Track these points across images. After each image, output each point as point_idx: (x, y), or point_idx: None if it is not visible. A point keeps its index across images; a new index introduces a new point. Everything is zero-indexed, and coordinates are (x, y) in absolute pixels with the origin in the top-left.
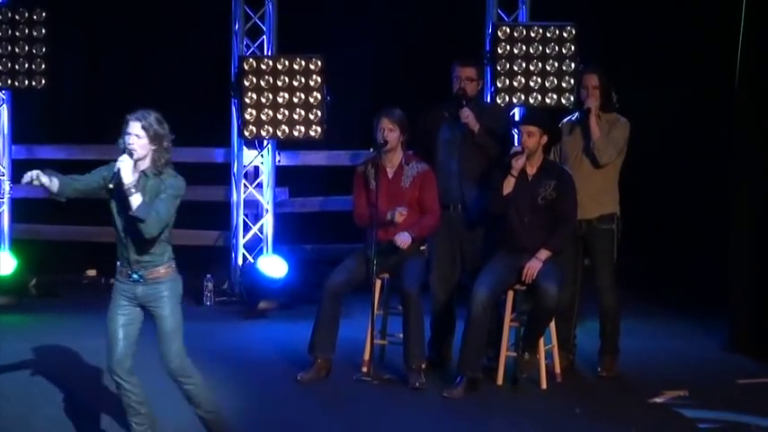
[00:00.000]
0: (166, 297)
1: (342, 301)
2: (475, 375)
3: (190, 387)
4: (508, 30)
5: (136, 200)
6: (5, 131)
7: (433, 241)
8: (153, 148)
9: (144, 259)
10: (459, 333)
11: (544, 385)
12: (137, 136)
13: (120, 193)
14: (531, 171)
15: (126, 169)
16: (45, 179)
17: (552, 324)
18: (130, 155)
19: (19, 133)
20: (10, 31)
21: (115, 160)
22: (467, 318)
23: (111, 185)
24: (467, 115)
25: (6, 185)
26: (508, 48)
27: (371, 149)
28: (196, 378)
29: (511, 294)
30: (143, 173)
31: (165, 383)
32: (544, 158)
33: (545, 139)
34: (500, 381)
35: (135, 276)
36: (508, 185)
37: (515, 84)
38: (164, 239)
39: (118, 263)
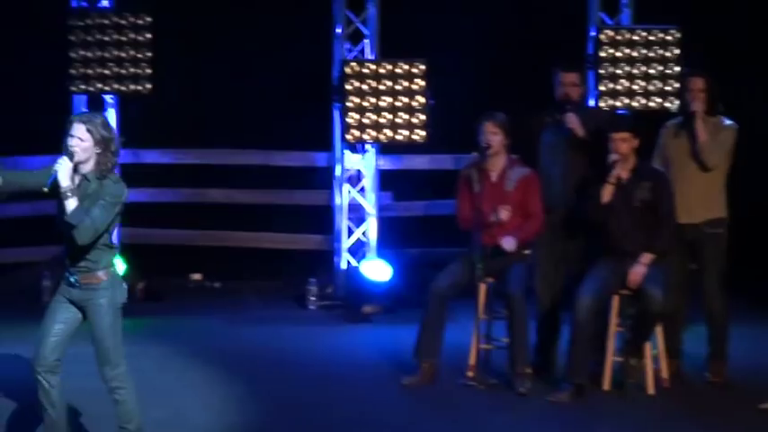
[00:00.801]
0: (102, 304)
1: (447, 305)
2: (581, 380)
3: (121, 398)
4: (611, 33)
5: (71, 204)
6: None
7: (536, 246)
8: (97, 151)
9: (79, 264)
10: (564, 337)
11: (651, 390)
12: (80, 138)
13: (58, 196)
14: (624, 175)
15: (63, 172)
16: None
17: (659, 329)
18: (71, 157)
19: (126, 137)
20: (116, 36)
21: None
22: (572, 323)
23: (45, 189)
24: (572, 120)
25: None
26: (611, 51)
27: (475, 153)
28: (129, 389)
29: (616, 299)
30: (84, 177)
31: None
32: (637, 161)
33: (636, 142)
34: (606, 386)
35: (71, 279)
36: (607, 194)
37: (619, 87)
38: (101, 246)
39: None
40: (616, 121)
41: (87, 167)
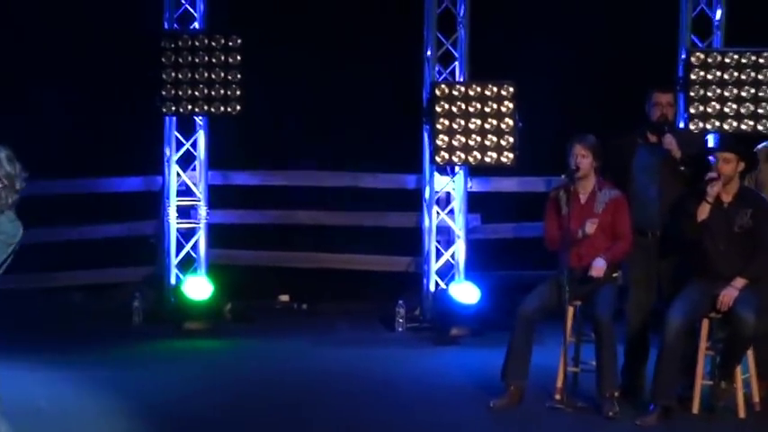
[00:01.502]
0: None
1: (535, 328)
2: (669, 403)
3: None
4: (702, 55)
5: None
6: (202, 157)
7: (628, 267)
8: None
9: None
10: (652, 360)
11: (742, 414)
12: None
13: None
14: (726, 199)
15: None
16: None
17: (750, 352)
18: None
19: (215, 159)
20: (206, 58)
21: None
22: (661, 345)
23: None
24: (669, 141)
25: (203, 211)
26: (702, 74)
27: (564, 175)
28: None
29: (706, 322)
30: None
31: None
32: (740, 186)
33: (741, 166)
34: (695, 409)
35: None
36: (703, 212)
37: (709, 110)
38: None
39: None
40: (723, 140)
41: None
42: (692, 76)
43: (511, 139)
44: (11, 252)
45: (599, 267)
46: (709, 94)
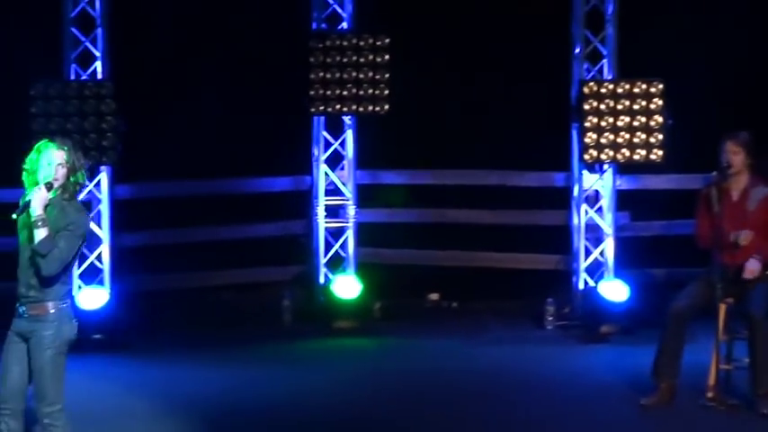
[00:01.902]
0: (47, 336)
1: (686, 325)
2: None
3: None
4: None
5: (41, 234)
6: (350, 157)
7: None
8: (70, 176)
9: (30, 294)
10: None
11: None
12: (60, 165)
13: (24, 226)
14: None
15: (38, 201)
16: None
17: None
18: (49, 187)
19: (363, 158)
20: (354, 58)
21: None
22: None
23: (15, 216)
24: None
25: (351, 210)
26: None
27: (715, 172)
28: (64, 430)
29: None
30: (48, 203)
31: None
32: None
33: None
34: None
35: (20, 310)
36: None
37: None
38: (57, 278)
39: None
40: None
41: (54, 194)
42: None
43: (660, 137)
44: (81, 243)
45: (753, 269)
46: None
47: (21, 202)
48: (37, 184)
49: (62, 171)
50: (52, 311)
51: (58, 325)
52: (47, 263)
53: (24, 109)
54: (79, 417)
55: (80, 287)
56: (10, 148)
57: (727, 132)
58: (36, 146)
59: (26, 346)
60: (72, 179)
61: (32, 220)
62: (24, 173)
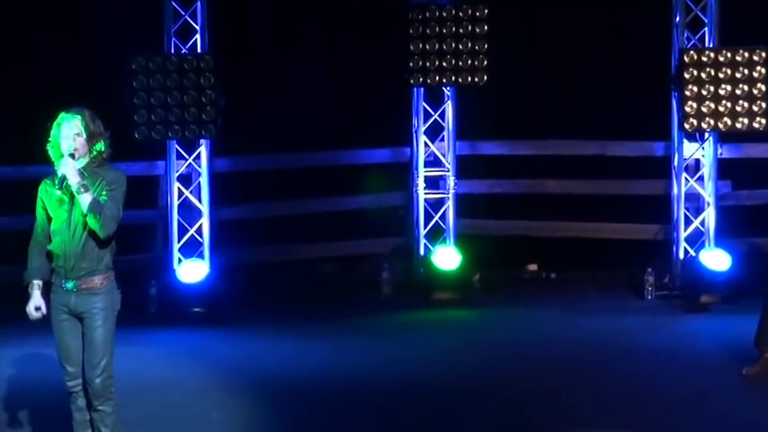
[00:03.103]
0: (99, 309)
1: None
2: None
3: (106, 410)
4: None
5: (86, 199)
6: (450, 127)
7: None
8: (91, 144)
9: (82, 267)
10: None
11: None
12: (77, 134)
13: (63, 202)
14: None
15: (70, 171)
16: (40, 301)
17: None
18: (72, 156)
19: (462, 130)
20: (454, 29)
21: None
22: None
23: (58, 192)
24: None
25: (451, 181)
26: None
27: None
28: (114, 402)
29: None
30: (80, 171)
31: None
32: None
33: None
34: None
35: (68, 285)
36: None
37: None
38: (104, 246)
39: (54, 276)
40: None
41: (82, 162)
42: None
43: (764, 105)
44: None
45: None
46: None
47: (55, 179)
48: (62, 156)
49: (80, 140)
50: (103, 284)
51: (109, 297)
52: (102, 223)
53: (127, 83)
54: (168, 388)
55: (180, 260)
56: (116, 121)
57: None
58: (57, 119)
59: (79, 321)
60: (94, 147)
61: (74, 189)
62: (49, 147)
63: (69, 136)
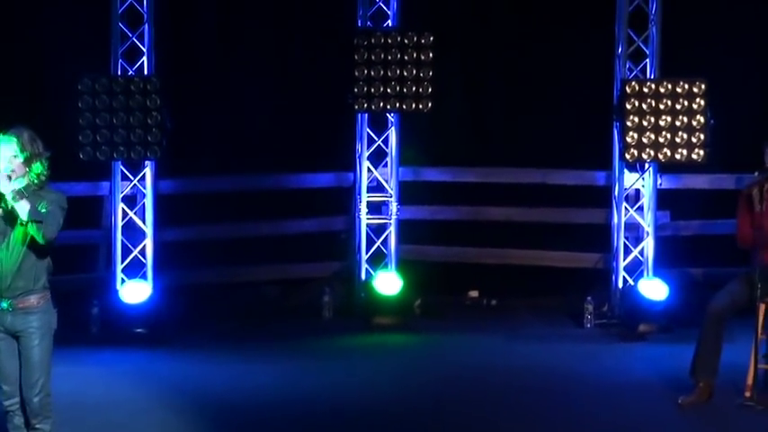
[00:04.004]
0: (36, 328)
1: (725, 324)
2: None
3: (44, 429)
4: None
5: (24, 206)
6: (394, 154)
7: None
8: (28, 165)
9: (18, 286)
10: None
11: None
12: (14, 156)
13: (2, 227)
14: None
15: (3, 184)
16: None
17: None
18: (9, 178)
19: (405, 155)
20: (399, 55)
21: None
22: None
23: None
24: None
25: (394, 206)
26: None
27: (757, 173)
28: (52, 422)
29: None
30: (20, 192)
31: None
32: None
33: None
34: None
35: (4, 305)
36: None
37: None
38: (41, 263)
39: None
40: None
41: (21, 183)
42: None
43: (702, 137)
44: (64, 216)
45: None
46: None
47: None
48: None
49: (16, 161)
50: (39, 303)
51: (45, 316)
52: (46, 228)
53: (72, 104)
54: (110, 408)
55: (123, 281)
56: (62, 141)
57: None
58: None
59: (15, 340)
60: (31, 168)
61: (9, 198)
62: None
63: (6, 157)
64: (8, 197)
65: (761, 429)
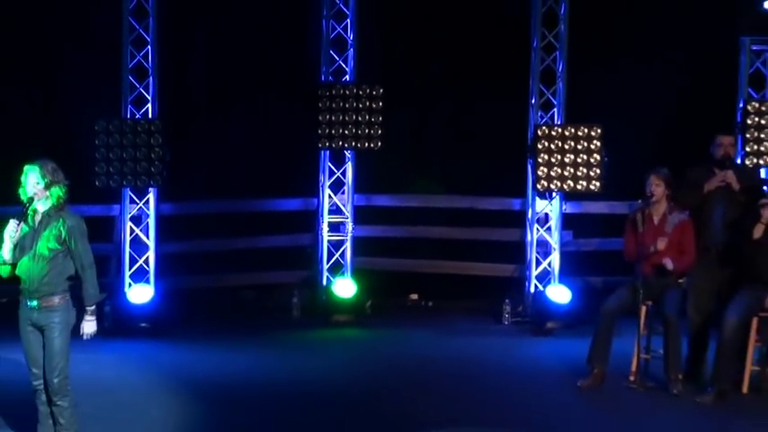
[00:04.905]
0: (57, 323)
1: (615, 322)
2: (724, 386)
3: (63, 405)
4: (757, 105)
5: (92, 296)
6: (350, 183)
7: (693, 276)
8: (49, 190)
9: (43, 288)
10: (711, 350)
11: None
12: (37, 183)
13: (27, 237)
14: None
15: (91, 327)
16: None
17: None
18: (31, 201)
19: (359, 184)
20: (355, 104)
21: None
22: (719, 339)
23: (18, 222)
24: (730, 177)
25: (349, 226)
26: (756, 119)
27: (641, 200)
28: (71, 398)
29: (756, 320)
30: (46, 213)
31: None
32: None
33: None
34: (745, 390)
35: (32, 304)
36: (758, 231)
37: (762, 149)
38: (63, 271)
39: (20, 296)
40: None
41: (45, 206)
42: (748, 121)
43: (598, 171)
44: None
45: (668, 262)
46: (763, 135)
47: (23, 217)
48: (27, 197)
49: (38, 187)
50: (60, 303)
51: (65, 313)
52: (91, 274)
53: (90, 141)
54: (119, 388)
55: (130, 285)
56: (81, 171)
57: (650, 168)
58: (23, 170)
59: (40, 332)
60: (51, 192)
61: (91, 321)
62: (21, 191)
63: (30, 183)
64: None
65: (642, 406)
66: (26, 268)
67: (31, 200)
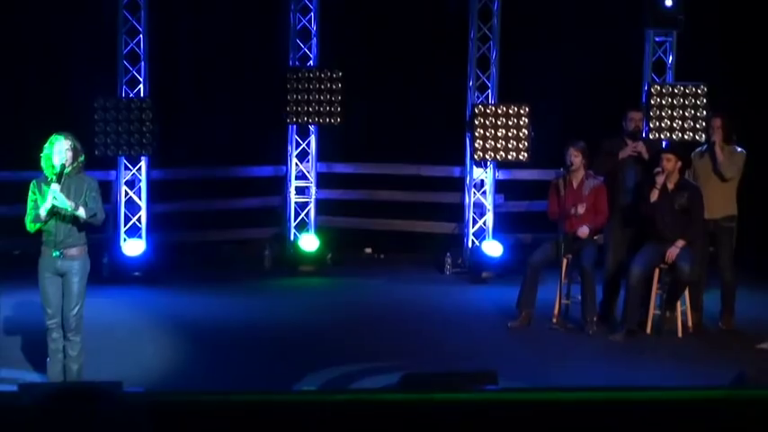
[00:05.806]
0: (77, 270)
1: (540, 272)
2: (632, 327)
3: (75, 339)
4: (659, 87)
5: (82, 212)
6: (313, 153)
7: (606, 231)
8: (76, 157)
9: (66, 241)
10: (621, 297)
11: (680, 334)
12: (68, 150)
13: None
14: (671, 186)
15: (60, 198)
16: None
17: (686, 292)
18: (63, 166)
19: (322, 154)
20: (318, 85)
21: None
22: (626, 287)
23: (57, 184)
24: (641, 146)
25: (313, 189)
26: (658, 100)
27: (562, 169)
28: (81, 337)
29: (657, 271)
30: (69, 175)
31: None
32: (680, 178)
33: (680, 164)
34: (649, 331)
35: (56, 253)
36: (653, 195)
37: (663, 125)
38: (82, 227)
39: (43, 247)
40: (668, 146)
41: (72, 169)
42: (652, 102)
43: (526, 144)
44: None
45: (584, 231)
46: (663, 113)
47: (49, 177)
48: (51, 165)
49: (70, 154)
50: (80, 253)
51: (83, 262)
52: (98, 219)
53: (90, 116)
54: (116, 329)
55: (125, 239)
56: (82, 142)
57: (569, 141)
58: (49, 139)
59: (60, 278)
60: (77, 159)
61: (71, 210)
62: (42, 157)
63: (62, 150)
64: (70, 208)
65: (563, 344)
66: (53, 223)
67: (63, 166)
